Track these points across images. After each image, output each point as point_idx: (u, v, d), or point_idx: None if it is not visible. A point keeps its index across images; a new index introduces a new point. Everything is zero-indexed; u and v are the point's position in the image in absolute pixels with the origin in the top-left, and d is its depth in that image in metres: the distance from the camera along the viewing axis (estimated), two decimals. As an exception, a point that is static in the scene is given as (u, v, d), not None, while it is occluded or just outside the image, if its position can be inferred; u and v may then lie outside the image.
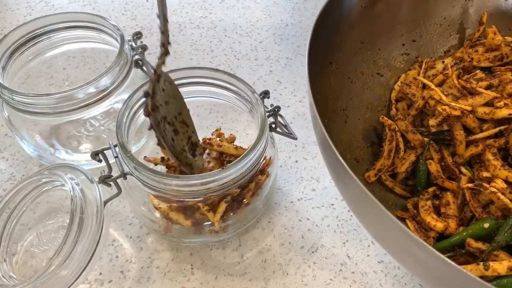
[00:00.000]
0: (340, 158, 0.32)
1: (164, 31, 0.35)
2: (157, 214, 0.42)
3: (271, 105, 0.42)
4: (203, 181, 0.35)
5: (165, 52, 0.36)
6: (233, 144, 0.45)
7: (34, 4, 0.69)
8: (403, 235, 0.29)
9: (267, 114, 0.41)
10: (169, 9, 0.69)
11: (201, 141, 0.43)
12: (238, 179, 0.37)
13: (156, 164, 0.44)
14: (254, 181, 0.41)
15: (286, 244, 0.44)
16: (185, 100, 0.45)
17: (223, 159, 0.43)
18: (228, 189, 0.37)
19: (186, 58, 0.62)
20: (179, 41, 0.64)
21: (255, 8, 0.69)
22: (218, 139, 0.47)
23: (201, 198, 0.38)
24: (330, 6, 0.41)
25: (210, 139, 0.43)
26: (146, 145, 0.50)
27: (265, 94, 0.43)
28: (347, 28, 0.45)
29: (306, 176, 0.49)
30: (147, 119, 0.44)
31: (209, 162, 0.43)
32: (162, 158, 0.44)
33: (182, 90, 0.43)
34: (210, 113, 0.54)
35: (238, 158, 0.36)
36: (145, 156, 0.45)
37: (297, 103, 0.57)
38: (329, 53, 0.44)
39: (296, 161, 0.51)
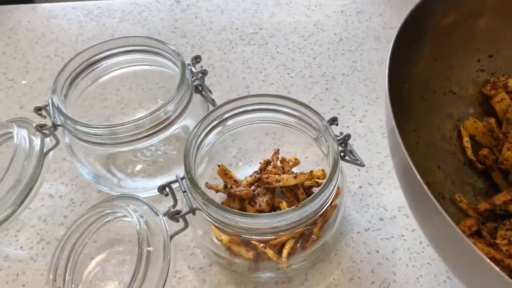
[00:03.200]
0: (429, 193, 0.29)
1: None
2: (222, 247, 0.40)
3: (340, 133, 0.40)
4: (276, 220, 0.33)
5: None
6: (292, 172, 0.44)
7: (86, 23, 0.69)
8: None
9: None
10: (218, 25, 0.68)
11: (254, 175, 0.42)
12: (311, 216, 0.35)
13: (217, 191, 0.43)
14: (323, 214, 0.39)
15: (355, 279, 0.42)
16: (245, 126, 0.43)
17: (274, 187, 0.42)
18: (298, 227, 0.35)
19: (239, 77, 0.60)
20: (230, 59, 0.63)
21: (307, 22, 0.67)
22: (278, 162, 0.45)
23: (269, 237, 0.36)
24: (408, 22, 0.39)
25: (268, 176, 0.41)
26: (205, 170, 0.49)
27: (333, 121, 0.41)
28: (422, 44, 0.42)
29: (372, 204, 0.47)
30: (211, 145, 0.43)
31: (260, 194, 0.41)
32: (225, 186, 0.42)
33: (246, 117, 0.42)
34: (266, 134, 0.53)
35: (312, 196, 0.34)
36: (206, 182, 0.44)
37: (356, 123, 0.54)
38: (403, 72, 0.41)
39: (360, 187, 0.48)
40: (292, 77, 0.60)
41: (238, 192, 0.41)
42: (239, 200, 0.42)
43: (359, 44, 0.64)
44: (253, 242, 0.38)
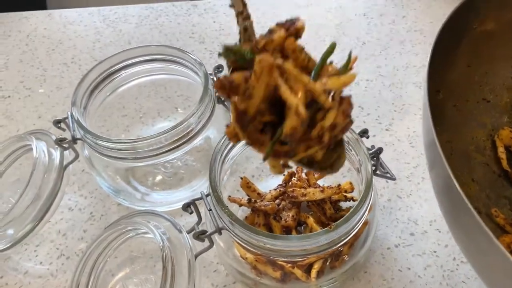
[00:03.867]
0: (472, 208, 0.27)
1: None
2: (247, 265, 0.39)
3: (372, 146, 0.38)
4: (307, 243, 0.32)
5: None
6: (317, 185, 0.42)
7: (102, 30, 0.68)
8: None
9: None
10: (237, 30, 0.66)
11: (279, 188, 0.40)
12: (343, 237, 0.33)
13: (240, 206, 0.41)
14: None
15: (387, 298, 0.40)
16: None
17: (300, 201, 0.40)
18: (330, 250, 0.34)
19: (259, 83, 0.59)
20: (250, 64, 0.61)
21: (328, 26, 0.65)
22: (303, 174, 0.44)
23: (298, 259, 0.34)
24: (447, 26, 0.37)
25: (293, 190, 0.39)
26: (227, 182, 0.47)
27: (363, 133, 0.39)
28: (459, 50, 0.40)
29: (402, 218, 0.45)
30: (236, 157, 0.41)
31: (285, 209, 0.39)
32: (249, 200, 0.41)
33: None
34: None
35: (345, 217, 0.32)
36: (229, 196, 0.42)
37: (383, 131, 0.52)
38: (438, 79, 0.39)
39: (389, 200, 0.46)
40: (314, 83, 0.58)
41: (263, 207, 0.39)
42: (264, 215, 0.40)
43: (382, 48, 0.62)
44: (280, 262, 0.37)
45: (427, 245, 0.43)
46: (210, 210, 0.35)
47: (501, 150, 0.44)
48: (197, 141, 0.42)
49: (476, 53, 0.43)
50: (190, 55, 0.45)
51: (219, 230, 0.34)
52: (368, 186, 0.33)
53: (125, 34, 0.67)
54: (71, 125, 0.42)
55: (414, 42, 0.62)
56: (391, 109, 0.54)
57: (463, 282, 0.40)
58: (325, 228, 0.32)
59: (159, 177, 0.49)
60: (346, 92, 0.57)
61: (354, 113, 0.54)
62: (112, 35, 0.67)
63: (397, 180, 0.48)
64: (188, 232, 0.38)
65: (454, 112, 0.43)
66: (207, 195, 0.36)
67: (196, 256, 0.37)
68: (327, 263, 0.38)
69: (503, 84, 0.45)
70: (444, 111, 0.42)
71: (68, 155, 0.45)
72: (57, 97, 0.59)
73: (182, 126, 0.39)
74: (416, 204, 0.46)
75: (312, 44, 0.63)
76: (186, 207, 0.35)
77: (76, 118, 0.41)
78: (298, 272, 0.36)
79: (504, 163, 0.44)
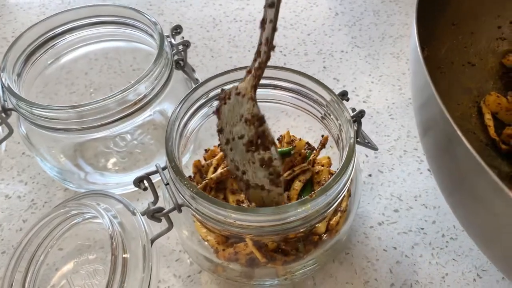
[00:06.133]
0: (484, 165, 0.23)
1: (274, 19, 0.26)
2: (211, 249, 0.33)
3: (353, 109, 0.33)
4: (284, 216, 0.27)
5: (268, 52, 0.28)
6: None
7: (49, 2, 0.61)
8: None
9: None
10: (200, 1, 0.61)
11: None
12: (323, 210, 0.29)
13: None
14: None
15: (371, 282, 0.35)
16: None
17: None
18: (307, 225, 0.29)
19: (224, 56, 0.53)
20: (215, 37, 0.56)
21: (298, -4, 0.61)
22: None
23: (276, 236, 0.29)
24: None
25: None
26: (190, 162, 0.42)
27: (343, 95, 0.34)
28: (443, 7, 0.36)
29: (385, 194, 0.41)
30: (196, 130, 0.36)
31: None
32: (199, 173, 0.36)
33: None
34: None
35: (326, 184, 0.28)
36: (190, 176, 0.37)
37: (360, 103, 0.48)
38: (422, 37, 0.35)
39: (370, 175, 0.42)
40: (285, 55, 0.53)
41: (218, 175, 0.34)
42: (216, 190, 0.35)
43: (357, 19, 0.58)
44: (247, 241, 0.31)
45: (413, 222, 0.39)
46: (167, 184, 0.29)
47: (487, 117, 0.41)
48: (151, 111, 0.37)
49: (460, 9, 0.39)
50: (144, 15, 0.39)
51: (178, 207, 0.29)
52: (351, 148, 0.29)
53: (74, 6, 0.60)
54: (1, 94, 0.36)
55: (389, 12, 0.58)
56: (368, 80, 0.50)
57: (453, 260, 0.36)
58: (303, 198, 0.27)
59: (112, 158, 0.43)
60: (320, 62, 0.53)
61: (329, 85, 0.49)
62: (59, 7, 0.61)
63: (377, 153, 0.43)
64: (143, 214, 0.32)
65: (439, 75, 0.39)
66: (163, 168, 0.30)
67: (152, 241, 0.31)
68: (300, 244, 0.33)
69: (488, 47, 0.42)
70: (429, 74, 0.38)
71: (1, 131, 0.38)
72: (-5, 74, 0.52)
73: (132, 89, 0.34)
74: (399, 178, 0.42)
75: (281, 16, 0.58)
76: (139, 181, 0.30)
77: (6, 85, 0.34)
78: (258, 254, 0.31)
79: (492, 131, 0.40)
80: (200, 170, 0.36)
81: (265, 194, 0.29)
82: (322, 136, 0.36)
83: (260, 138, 0.28)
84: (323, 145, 0.36)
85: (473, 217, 0.27)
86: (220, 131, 0.31)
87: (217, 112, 0.31)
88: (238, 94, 0.29)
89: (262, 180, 0.29)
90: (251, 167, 0.29)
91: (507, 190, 0.21)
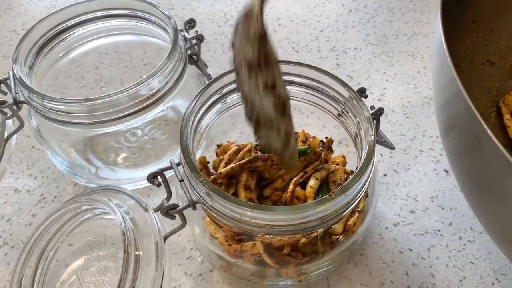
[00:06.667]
0: None
1: None
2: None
3: (371, 107, 0.33)
4: (302, 215, 0.26)
5: None
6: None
7: (59, -6, 0.60)
8: None
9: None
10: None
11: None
12: (341, 210, 0.28)
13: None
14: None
15: (387, 284, 0.35)
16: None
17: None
18: (325, 225, 0.28)
19: (237, 51, 0.53)
20: (226, 32, 0.55)
21: (311, -8, 0.60)
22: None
23: (290, 235, 0.29)
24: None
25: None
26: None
27: (361, 92, 0.33)
28: (465, 2, 0.35)
29: (400, 194, 0.40)
30: (209, 127, 0.35)
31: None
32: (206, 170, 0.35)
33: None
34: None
35: (346, 184, 0.27)
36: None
37: (375, 101, 0.47)
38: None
39: (385, 175, 0.41)
40: (297, 52, 0.53)
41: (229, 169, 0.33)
42: (226, 186, 0.34)
43: (370, 16, 0.57)
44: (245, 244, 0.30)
45: (430, 223, 0.38)
46: (181, 181, 0.29)
47: (507, 117, 0.40)
48: (164, 107, 0.36)
49: (482, 7, 0.38)
50: (158, 8, 0.38)
51: (193, 205, 0.28)
52: (371, 146, 0.28)
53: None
54: (13, 86, 0.35)
55: (403, 10, 0.57)
56: (383, 78, 0.49)
57: (471, 263, 0.36)
58: (322, 197, 0.26)
59: (122, 154, 0.43)
60: (334, 59, 0.51)
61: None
62: (69, 0, 0.60)
63: (393, 153, 0.43)
64: (156, 211, 0.31)
65: (458, 73, 0.38)
66: (178, 164, 0.30)
67: (165, 238, 0.31)
68: (318, 243, 0.32)
69: (508, 45, 0.41)
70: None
71: (12, 124, 0.38)
72: (5, 68, 0.51)
73: (145, 83, 0.33)
74: (415, 179, 0.41)
75: (293, 12, 0.57)
76: (152, 178, 0.29)
77: (18, 77, 0.34)
78: (268, 260, 0.30)
79: (511, 131, 0.39)
80: (206, 166, 0.35)
81: (276, 136, 0.28)
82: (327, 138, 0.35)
83: (263, 59, 0.25)
84: (328, 147, 0.35)
85: (498, 218, 0.26)
86: (236, 70, 0.28)
87: (232, 46, 0.27)
88: (246, 16, 0.25)
89: (269, 110, 0.27)
90: (257, 96, 0.27)
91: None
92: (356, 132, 0.32)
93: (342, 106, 0.33)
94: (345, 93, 0.32)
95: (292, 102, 0.36)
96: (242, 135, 0.44)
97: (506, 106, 0.40)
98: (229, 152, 0.36)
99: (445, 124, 0.29)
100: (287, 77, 0.34)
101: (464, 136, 0.26)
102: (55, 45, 0.39)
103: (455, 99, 0.26)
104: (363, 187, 0.28)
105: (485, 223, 0.28)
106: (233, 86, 0.34)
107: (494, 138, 0.22)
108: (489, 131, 0.22)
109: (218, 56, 0.53)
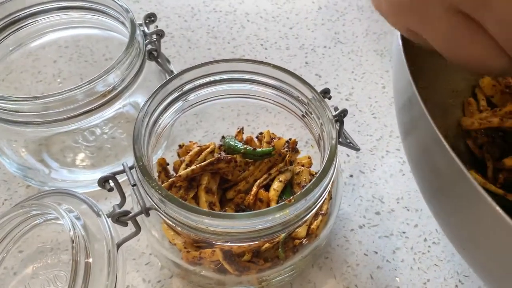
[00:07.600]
0: (468, 174, 0.21)
1: None
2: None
3: (335, 108, 0.32)
4: (261, 221, 0.25)
5: None
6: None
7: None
8: None
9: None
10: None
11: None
12: (303, 214, 0.27)
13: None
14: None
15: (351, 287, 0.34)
16: (212, 102, 0.34)
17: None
18: (287, 230, 0.27)
19: (203, 47, 0.51)
20: (193, 27, 0.53)
21: (281, -12, 0.59)
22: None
23: (250, 243, 0.27)
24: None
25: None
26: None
27: (325, 93, 0.33)
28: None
29: (366, 196, 0.39)
30: (169, 126, 0.33)
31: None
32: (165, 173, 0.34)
33: (213, 89, 0.33)
34: (238, 115, 0.44)
35: (306, 188, 0.26)
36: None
37: (343, 101, 0.47)
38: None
39: (351, 176, 0.41)
40: (266, 49, 0.51)
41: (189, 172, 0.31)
42: (186, 189, 0.32)
43: (340, 14, 0.56)
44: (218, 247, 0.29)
45: (395, 225, 0.37)
46: (134, 185, 0.27)
47: (482, 104, 0.39)
48: (121, 105, 0.34)
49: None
50: (116, 1, 0.36)
51: (146, 211, 0.27)
52: (333, 149, 0.27)
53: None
54: (-46, 82, 0.33)
55: (373, 8, 0.57)
56: (351, 77, 0.49)
57: (435, 265, 0.35)
58: (281, 203, 0.25)
59: (80, 154, 0.41)
60: (302, 58, 0.51)
61: (310, 82, 0.47)
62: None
63: (359, 153, 0.42)
64: (109, 216, 0.30)
65: (435, 57, 0.37)
66: (131, 168, 0.28)
67: (118, 246, 0.29)
68: (280, 249, 0.31)
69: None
70: (424, 53, 0.36)
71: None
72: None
73: (100, 79, 0.31)
74: (381, 180, 0.40)
75: (263, 7, 0.56)
76: (104, 182, 0.27)
77: (-41, 72, 0.31)
78: (227, 267, 0.29)
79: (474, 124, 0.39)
80: (165, 168, 0.34)
81: None
82: (291, 139, 0.34)
83: None
84: (292, 148, 0.34)
85: (453, 222, 0.26)
86: None
87: None
88: None
89: None
90: None
91: (486, 196, 0.20)
92: (319, 134, 0.31)
93: (306, 107, 0.32)
94: (309, 94, 0.31)
95: (258, 102, 0.35)
96: (207, 134, 0.43)
97: (481, 91, 0.39)
98: (190, 153, 0.35)
99: (404, 128, 0.29)
100: (253, 76, 0.33)
101: (420, 140, 0.25)
102: (4, 37, 0.37)
103: (411, 104, 0.25)
104: (325, 190, 0.28)
105: (442, 226, 0.28)
106: (197, 82, 0.33)
107: (446, 144, 0.21)
108: (441, 137, 0.22)
109: (184, 52, 0.51)
